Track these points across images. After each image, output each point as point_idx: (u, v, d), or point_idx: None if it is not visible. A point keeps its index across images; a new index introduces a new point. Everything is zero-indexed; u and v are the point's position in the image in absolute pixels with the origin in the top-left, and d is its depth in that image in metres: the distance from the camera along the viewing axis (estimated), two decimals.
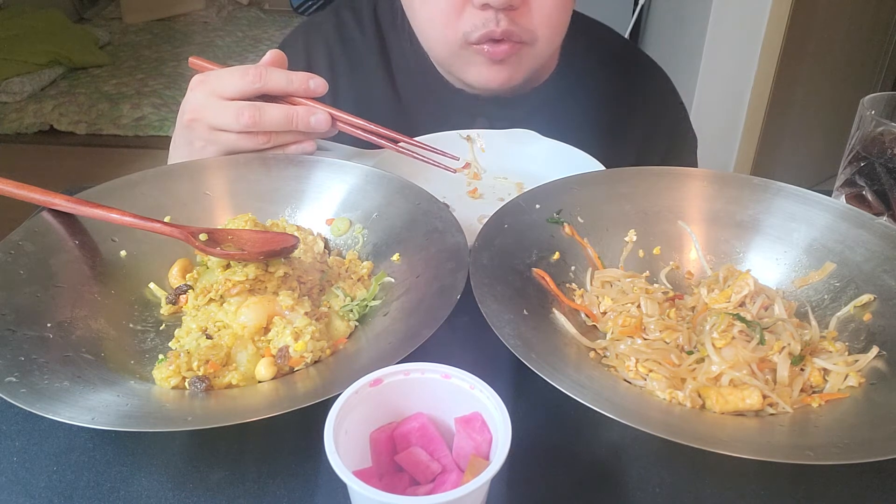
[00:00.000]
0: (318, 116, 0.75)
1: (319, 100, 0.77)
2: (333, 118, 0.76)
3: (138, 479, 0.52)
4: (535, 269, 0.65)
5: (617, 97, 1.01)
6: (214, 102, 0.73)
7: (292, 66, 0.81)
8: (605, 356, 0.60)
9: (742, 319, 0.59)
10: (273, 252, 0.63)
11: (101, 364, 0.57)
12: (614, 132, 1.00)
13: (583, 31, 0.99)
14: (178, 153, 0.80)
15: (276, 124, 0.73)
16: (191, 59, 0.81)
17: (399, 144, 0.79)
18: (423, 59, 0.97)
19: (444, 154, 0.79)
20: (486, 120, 0.96)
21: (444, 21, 0.83)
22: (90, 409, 0.49)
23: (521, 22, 0.82)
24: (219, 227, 0.67)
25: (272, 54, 0.77)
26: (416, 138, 0.87)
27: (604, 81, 1.00)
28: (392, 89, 0.99)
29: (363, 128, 0.78)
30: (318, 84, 0.75)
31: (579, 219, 0.71)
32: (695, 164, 1.08)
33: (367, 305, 0.65)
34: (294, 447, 0.54)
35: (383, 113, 0.99)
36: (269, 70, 0.73)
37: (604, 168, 0.81)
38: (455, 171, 0.82)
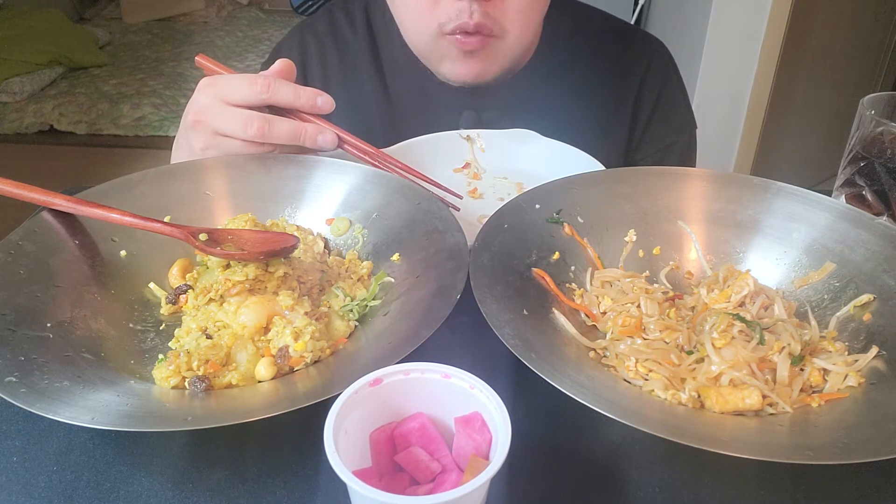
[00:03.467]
0: (326, 136, 0.74)
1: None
2: (340, 139, 0.76)
3: (138, 479, 0.52)
4: (535, 269, 0.65)
5: (604, 74, 1.00)
6: (221, 107, 0.73)
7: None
8: (604, 356, 0.60)
9: (742, 319, 0.59)
10: (273, 252, 0.63)
11: (101, 364, 0.57)
12: (604, 110, 1.00)
13: (566, 13, 0.99)
14: (179, 154, 0.80)
15: (283, 138, 0.73)
16: (197, 58, 0.81)
17: (404, 173, 0.79)
18: (411, 56, 0.97)
19: (448, 191, 0.78)
20: (474, 112, 0.96)
21: (420, 11, 0.85)
22: (90, 409, 0.49)
23: (494, 14, 0.83)
24: (219, 227, 0.67)
25: (281, 64, 0.76)
26: (417, 138, 0.87)
27: (590, 60, 1.01)
28: (382, 88, 1.00)
29: (370, 153, 0.77)
30: (325, 101, 0.75)
31: (579, 219, 0.71)
32: (693, 147, 1.06)
33: (367, 305, 0.65)
34: (294, 447, 0.54)
35: (374, 111, 0.99)
36: (278, 82, 0.73)
37: (603, 168, 0.81)
38: (459, 209, 0.80)
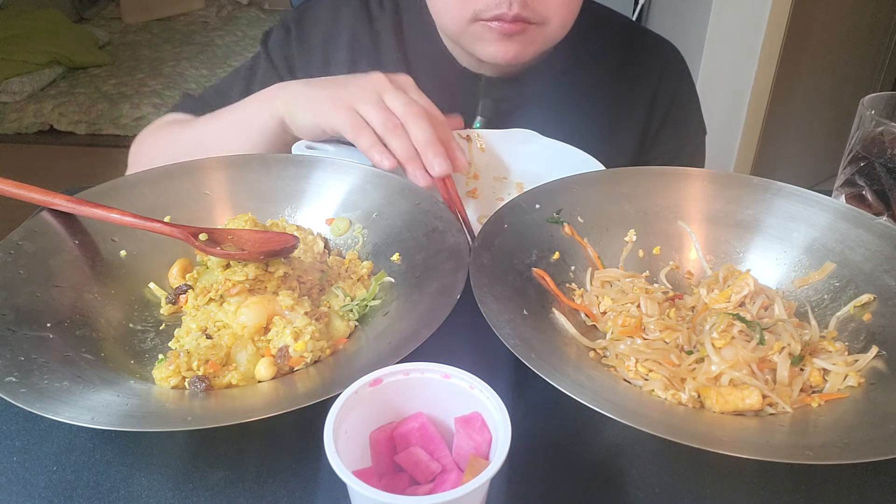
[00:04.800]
0: (442, 163, 0.70)
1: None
2: (446, 186, 0.73)
3: (138, 479, 0.52)
4: (535, 269, 0.65)
5: (620, 73, 1.01)
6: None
7: (312, 33, 0.81)
8: (604, 356, 0.60)
9: (742, 319, 0.59)
10: (273, 252, 0.63)
11: (101, 364, 0.57)
12: (618, 109, 1.00)
13: (585, 9, 1.00)
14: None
15: (410, 141, 0.71)
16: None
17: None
18: (434, 40, 0.98)
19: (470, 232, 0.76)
20: (491, 101, 0.96)
21: None
22: (90, 409, 0.49)
23: (534, 5, 0.83)
24: (219, 227, 0.67)
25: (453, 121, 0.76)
26: None
27: (607, 58, 1.01)
28: (405, 68, 0.99)
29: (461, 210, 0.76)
30: (442, 168, 0.71)
31: (579, 219, 0.71)
32: (702, 151, 1.07)
33: (366, 305, 0.65)
34: (294, 447, 0.54)
35: None
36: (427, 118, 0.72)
37: (603, 168, 0.81)
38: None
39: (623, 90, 1.01)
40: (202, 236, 0.64)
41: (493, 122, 0.95)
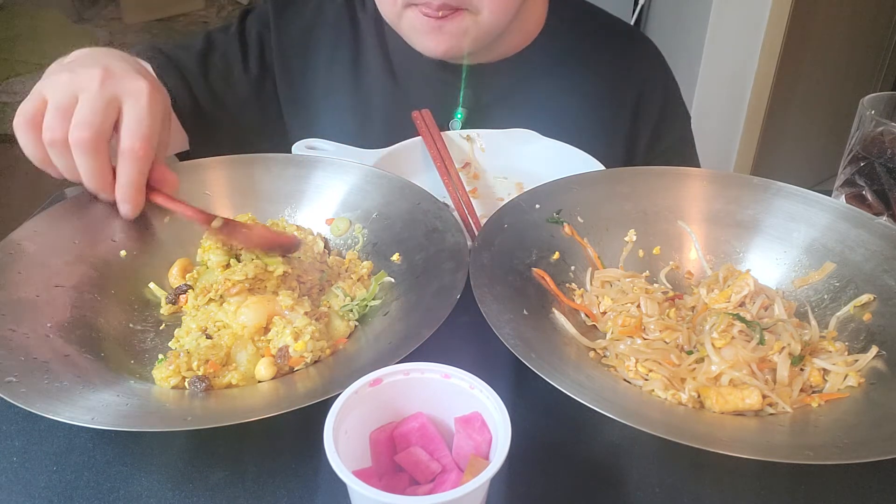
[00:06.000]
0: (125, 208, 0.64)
1: None
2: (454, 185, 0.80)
3: (138, 479, 0.52)
4: (535, 269, 0.65)
5: (604, 69, 1.01)
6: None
7: (293, 22, 0.85)
8: (604, 356, 0.60)
9: (742, 319, 0.59)
10: (278, 244, 0.63)
11: (101, 364, 0.57)
12: (603, 104, 1.01)
13: (569, 6, 1.00)
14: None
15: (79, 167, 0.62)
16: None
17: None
18: None
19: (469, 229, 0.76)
20: (472, 92, 0.96)
21: None
22: (90, 409, 0.49)
23: None
24: (236, 219, 0.67)
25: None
26: (417, 137, 0.88)
27: (591, 53, 1.01)
28: (387, 65, 1.00)
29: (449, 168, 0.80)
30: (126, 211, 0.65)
31: (579, 219, 0.71)
32: (691, 140, 1.08)
33: (366, 305, 0.65)
34: (294, 447, 0.54)
35: (379, 86, 0.99)
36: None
37: (603, 168, 0.81)
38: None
39: (608, 86, 1.01)
40: (216, 222, 0.64)
41: (476, 114, 0.95)
